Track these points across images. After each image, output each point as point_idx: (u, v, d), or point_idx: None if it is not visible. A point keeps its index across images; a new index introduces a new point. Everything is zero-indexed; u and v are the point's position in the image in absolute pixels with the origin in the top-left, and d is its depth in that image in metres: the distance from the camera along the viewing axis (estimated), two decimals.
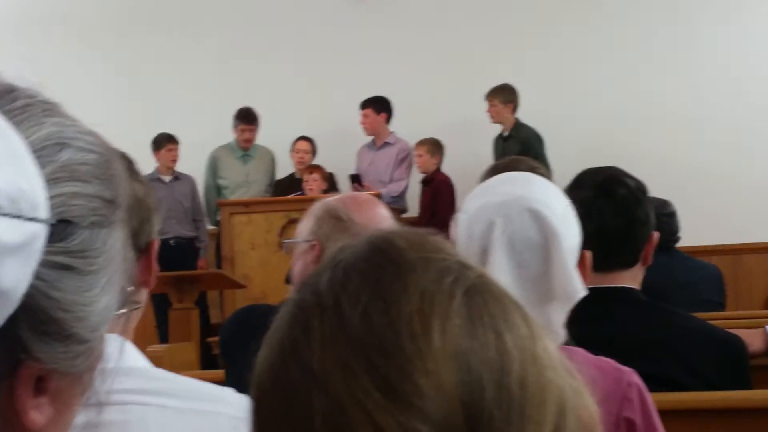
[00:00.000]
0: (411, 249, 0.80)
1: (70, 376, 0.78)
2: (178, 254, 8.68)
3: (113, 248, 0.80)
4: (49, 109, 0.78)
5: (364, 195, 2.80)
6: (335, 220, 2.50)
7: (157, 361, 3.67)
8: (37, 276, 0.72)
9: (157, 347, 4.28)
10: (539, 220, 1.78)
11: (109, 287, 0.79)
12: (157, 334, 8.37)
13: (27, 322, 0.72)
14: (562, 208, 1.83)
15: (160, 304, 7.97)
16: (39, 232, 0.71)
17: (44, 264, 0.72)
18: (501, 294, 0.79)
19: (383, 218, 2.55)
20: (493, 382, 0.74)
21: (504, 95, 8.66)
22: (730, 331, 2.62)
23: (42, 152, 0.74)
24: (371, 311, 0.75)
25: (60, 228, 0.74)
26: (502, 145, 8.62)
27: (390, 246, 0.81)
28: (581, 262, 1.88)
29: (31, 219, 0.70)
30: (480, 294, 0.78)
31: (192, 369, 4.12)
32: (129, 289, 0.86)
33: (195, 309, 7.25)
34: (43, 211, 0.72)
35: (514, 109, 8.68)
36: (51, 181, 0.74)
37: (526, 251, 1.77)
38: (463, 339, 0.74)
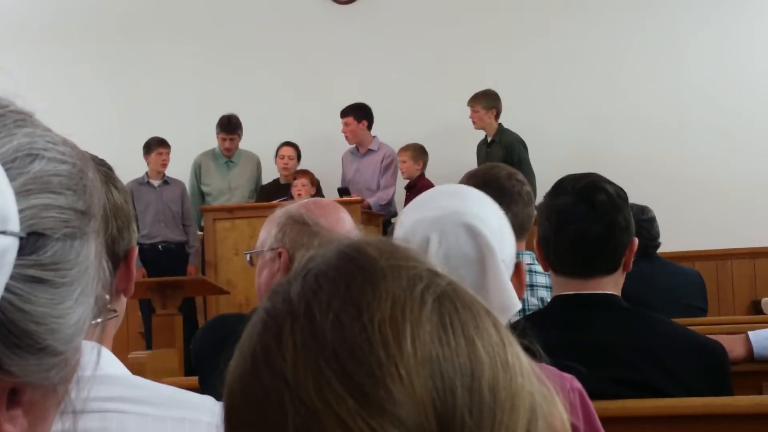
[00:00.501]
0: (381, 257, 0.80)
1: (45, 388, 0.77)
2: (167, 259, 8.66)
3: (87, 259, 0.79)
4: (21, 119, 0.77)
5: (324, 199, 2.81)
6: (301, 225, 2.49)
7: (140, 367, 3.66)
8: (9, 289, 0.71)
9: (140, 354, 4.26)
10: (474, 235, 1.80)
11: (83, 298, 0.78)
12: (143, 340, 8.35)
13: None
14: (497, 222, 1.85)
15: (146, 310, 7.95)
16: (10, 245, 0.71)
17: (16, 277, 0.72)
18: (472, 301, 0.80)
19: (348, 222, 2.56)
20: (464, 388, 0.74)
21: (486, 101, 8.65)
22: (712, 337, 2.64)
23: (13, 164, 0.73)
24: (343, 318, 0.76)
25: (31, 241, 0.73)
26: (485, 150, 8.62)
27: (360, 254, 0.81)
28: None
29: (1, 232, 0.70)
30: (451, 301, 0.78)
31: (174, 376, 4.10)
32: (105, 298, 0.85)
33: (178, 315, 7.22)
34: (14, 223, 0.71)
35: (497, 114, 8.67)
36: (22, 193, 0.73)
37: (462, 266, 1.78)
38: (434, 345, 0.75)
